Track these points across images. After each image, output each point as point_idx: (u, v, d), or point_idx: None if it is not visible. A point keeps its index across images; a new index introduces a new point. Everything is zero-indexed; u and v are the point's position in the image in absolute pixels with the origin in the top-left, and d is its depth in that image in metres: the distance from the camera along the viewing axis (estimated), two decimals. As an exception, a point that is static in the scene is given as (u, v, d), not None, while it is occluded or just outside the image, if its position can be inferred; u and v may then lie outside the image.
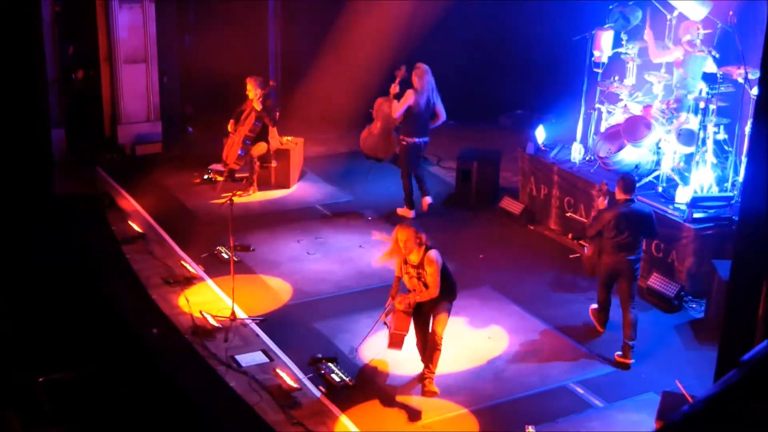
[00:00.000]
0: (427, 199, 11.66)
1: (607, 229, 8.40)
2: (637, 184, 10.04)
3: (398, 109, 11.13)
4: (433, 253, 7.59)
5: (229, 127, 12.04)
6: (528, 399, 7.80)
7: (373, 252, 10.57)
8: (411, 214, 11.60)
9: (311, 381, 7.93)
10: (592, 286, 9.60)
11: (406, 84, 11.33)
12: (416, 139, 11.29)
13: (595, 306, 8.94)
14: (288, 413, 7.43)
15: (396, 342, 7.79)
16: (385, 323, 7.95)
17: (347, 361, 8.23)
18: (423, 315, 7.86)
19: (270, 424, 7.29)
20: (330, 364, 8.10)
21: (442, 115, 11.39)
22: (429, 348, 7.76)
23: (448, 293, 7.75)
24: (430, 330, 7.79)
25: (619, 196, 8.45)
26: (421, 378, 7.84)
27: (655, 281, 9.51)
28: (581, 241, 10.12)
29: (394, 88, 11.44)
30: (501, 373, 8.18)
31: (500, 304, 9.42)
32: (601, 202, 8.72)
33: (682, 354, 8.56)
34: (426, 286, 7.64)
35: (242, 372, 8.01)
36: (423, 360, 7.89)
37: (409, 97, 11.07)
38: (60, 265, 9.60)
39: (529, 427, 7.14)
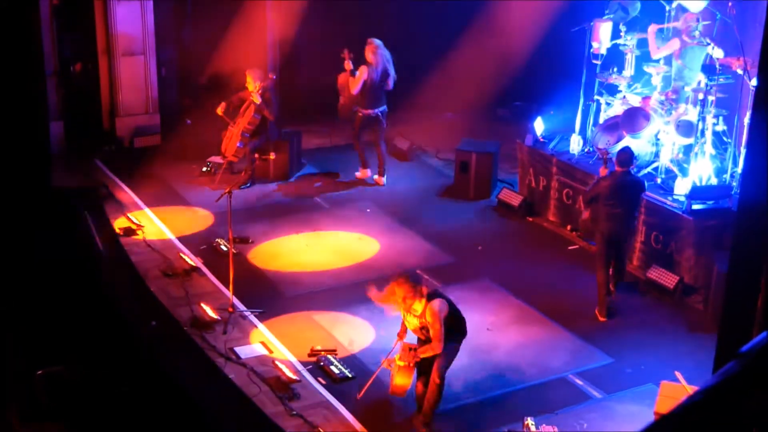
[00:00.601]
0: (367, 172, 12.53)
1: (603, 197, 8.85)
2: (638, 174, 10.06)
3: (355, 85, 11.88)
4: (437, 304, 6.89)
5: (219, 110, 11.98)
6: (527, 390, 7.81)
7: (372, 244, 10.59)
8: (368, 173, 12.52)
9: (310, 373, 7.94)
10: (590, 278, 9.61)
11: (358, 61, 12.01)
12: (370, 111, 12.08)
13: (597, 309, 9.05)
14: (287, 405, 7.44)
15: (398, 393, 7.26)
16: (388, 368, 7.31)
17: (346, 353, 8.24)
18: (427, 360, 7.14)
19: (269, 416, 7.30)
20: (329, 356, 8.10)
21: (392, 83, 12.12)
22: (429, 391, 7.12)
23: (455, 336, 7.12)
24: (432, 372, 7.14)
25: (617, 168, 8.91)
26: (413, 418, 7.30)
27: (655, 273, 9.51)
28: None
29: (348, 66, 11.96)
30: (500, 365, 8.18)
31: (499, 296, 9.43)
32: (602, 170, 9.16)
33: (681, 345, 8.55)
34: (430, 337, 6.99)
35: (241, 364, 8.02)
36: (418, 401, 7.28)
37: (363, 73, 11.85)
38: (58, 259, 9.60)
39: (528, 418, 7.14)
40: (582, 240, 10.60)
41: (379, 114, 12.15)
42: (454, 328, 7.06)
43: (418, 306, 6.91)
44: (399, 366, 7.11)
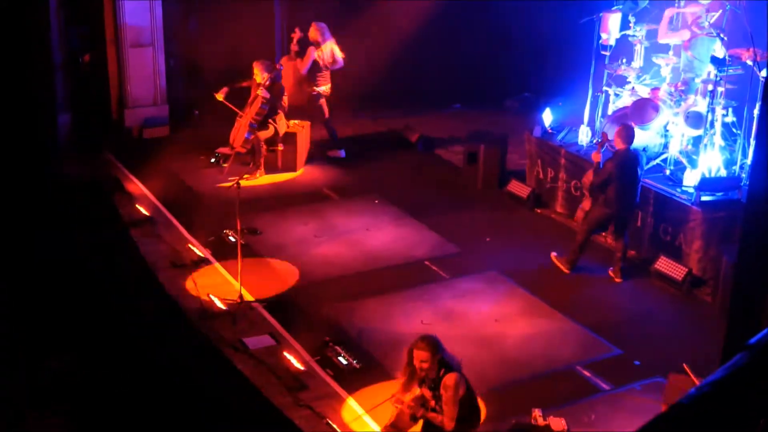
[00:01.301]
0: (338, 153, 13.02)
1: (612, 179, 9.11)
2: (645, 167, 10.07)
3: (304, 65, 12.57)
4: (452, 378, 6.23)
5: (220, 95, 12.00)
6: (535, 382, 7.81)
7: (380, 235, 10.60)
8: (340, 153, 13.01)
9: (318, 364, 7.95)
10: (599, 269, 9.63)
11: (304, 42, 12.69)
12: (322, 88, 12.69)
13: (555, 254, 9.75)
14: (295, 396, 7.45)
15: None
16: (394, 405, 6.57)
17: (354, 345, 8.25)
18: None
19: (277, 407, 7.31)
20: (337, 347, 8.12)
21: (340, 60, 12.75)
22: None
23: (466, 424, 6.41)
24: None
25: (619, 145, 9.19)
26: None
27: (663, 265, 9.50)
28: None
29: (294, 47, 12.72)
30: (507, 356, 8.19)
31: (507, 288, 9.43)
32: (596, 155, 9.40)
33: (689, 338, 8.54)
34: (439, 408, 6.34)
35: (250, 355, 8.04)
36: None
37: (311, 53, 12.54)
38: (66, 251, 9.64)
39: (536, 410, 7.15)
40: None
41: (321, 92, 12.69)
42: (467, 416, 6.38)
43: (432, 372, 6.28)
44: (405, 408, 6.43)
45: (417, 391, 6.41)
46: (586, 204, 9.54)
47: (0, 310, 8.74)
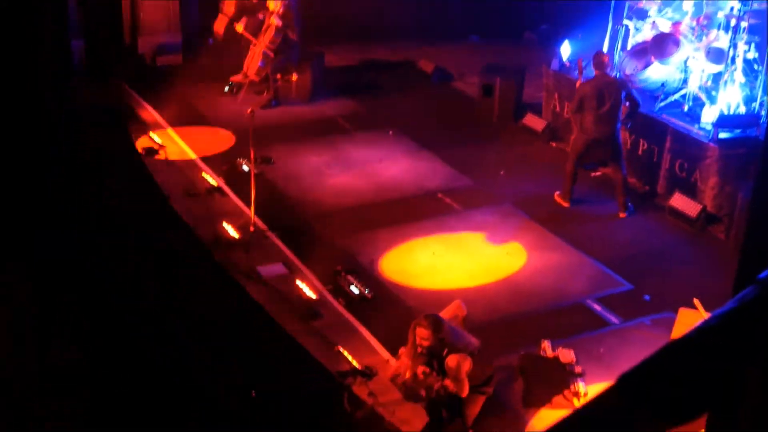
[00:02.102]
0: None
1: (587, 99, 9.24)
2: (663, 102, 9.96)
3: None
4: (454, 360, 6.18)
5: (240, 27, 11.90)
6: (545, 315, 7.86)
7: (393, 166, 10.57)
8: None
9: (331, 293, 8.01)
10: (613, 204, 9.60)
11: None
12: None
13: (558, 193, 9.77)
14: (307, 324, 7.52)
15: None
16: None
17: (366, 275, 8.30)
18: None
19: (290, 334, 7.39)
20: (349, 277, 8.16)
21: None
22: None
23: (480, 389, 6.40)
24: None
25: (594, 71, 9.35)
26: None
27: (677, 201, 9.45)
28: None
29: None
30: (518, 289, 8.22)
31: (520, 221, 9.42)
32: (578, 83, 9.65)
33: (701, 274, 8.53)
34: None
35: (263, 283, 8.10)
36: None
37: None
38: (78, 176, 9.67)
39: (545, 341, 7.20)
40: (605, 167, 10.53)
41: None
42: (478, 386, 6.33)
43: (435, 350, 6.25)
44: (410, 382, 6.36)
45: (419, 369, 6.33)
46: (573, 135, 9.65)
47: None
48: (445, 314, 6.62)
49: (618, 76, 9.60)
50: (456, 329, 6.36)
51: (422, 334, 6.21)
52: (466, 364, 6.16)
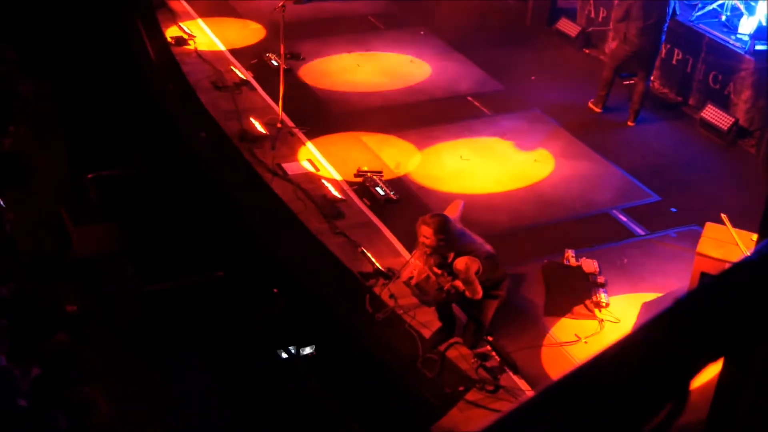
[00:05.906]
0: None
1: (633, 8, 8.96)
2: (701, 11, 9.71)
3: None
4: (462, 262, 6.00)
5: None
6: (570, 223, 7.84)
7: (423, 67, 10.44)
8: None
9: (356, 193, 8.02)
10: (649, 117, 9.46)
11: None
12: None
13: (592, 100, 9.69)
14: (332, 223, 7.55)
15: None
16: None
17: (392, 175, 8.28)
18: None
19: (313, 233, 7.44)
20: (375, 177, 8.15)
21: None
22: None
23: (491, 294, 6.23)
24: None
25: None
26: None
27: (709, 113, 9.31)
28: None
29: None
30: (545, 197, 8.19)
31: (549, 128, 9.33)
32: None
33: (729, 188, 8.45)
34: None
35: (288, 180, 8.11)
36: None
37: None
38: (111, 60, 9.62)
39: (569, 250, 7.22)
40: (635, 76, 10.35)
41: None
42: (489, 288, 6.18)
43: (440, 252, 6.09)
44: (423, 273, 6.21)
45: (429, 269, 6.16)
46: (614, 43, 9.41)
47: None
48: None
49: None
50: (466, 232, 6.29)
51: (425, 232, 6.01)
52: (474, 266, 5.98)
